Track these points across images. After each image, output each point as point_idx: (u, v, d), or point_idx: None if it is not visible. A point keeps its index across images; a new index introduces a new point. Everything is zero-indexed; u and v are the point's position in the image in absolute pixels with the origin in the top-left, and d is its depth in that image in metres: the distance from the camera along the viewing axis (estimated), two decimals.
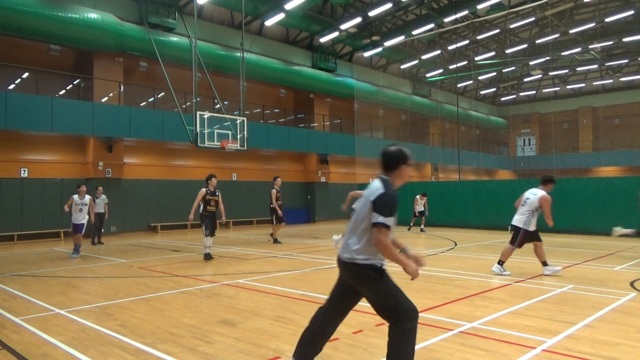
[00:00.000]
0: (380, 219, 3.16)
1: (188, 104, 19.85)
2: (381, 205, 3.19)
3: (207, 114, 15.15)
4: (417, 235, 16.77)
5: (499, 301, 6.23)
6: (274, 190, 13.98)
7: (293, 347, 4.41)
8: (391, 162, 3.40)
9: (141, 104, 20.76)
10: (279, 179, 14.33)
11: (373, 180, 3.44)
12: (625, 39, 28.50)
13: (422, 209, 18.10)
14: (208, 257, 10.56)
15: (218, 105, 18.62)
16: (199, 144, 14.87)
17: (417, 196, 18.20)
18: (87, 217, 11.93)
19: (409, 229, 18.40)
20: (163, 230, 19.91)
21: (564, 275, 8.03)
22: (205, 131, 14.95)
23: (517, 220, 8.21)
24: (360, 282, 3.33)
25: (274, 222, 14.18)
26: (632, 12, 24.50)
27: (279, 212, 13.90)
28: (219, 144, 15.43)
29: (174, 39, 19.48)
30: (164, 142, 19.74)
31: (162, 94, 20.68)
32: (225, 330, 5.01)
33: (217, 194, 10.78)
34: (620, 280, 7.66)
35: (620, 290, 6.80)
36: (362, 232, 3.30)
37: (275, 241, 14.19)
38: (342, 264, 3.40)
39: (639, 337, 4.65)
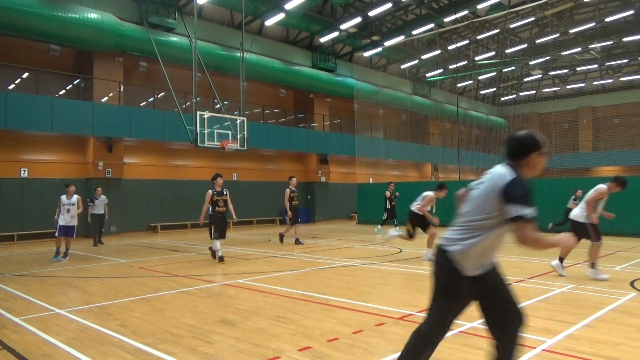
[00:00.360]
0: (521, 210, 2.53)
1: (188, 104, 19.85)
2: (516, 193, 2.57)
3: (207, 114, 15.15)
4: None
5: None
6: (287, 190, 13.53)
7: (293, 347, 4.43)
8: (519, 149, 2.76)
9: (141, 104, 20.76)
10: (294, 179, 13.91)
11: (493, 168, 2.81)
12: (625, 39, 28.51)
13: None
14: (219, 259, 10.11)
15: (218, 105, 18.62)
16: (199, 144, 14.87)
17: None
18: (75, 218, 11.14)
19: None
20: (163, 230, 19.91)
21: (564, 275, 8.04)
22: (205, 131, 14.95)
23: (579, 215, 7.85)
24: (436, 267, 2.89)
25: (287, 222, 13.81)
26: (632, 12, 24.51)
27: (289, 213, 13.39)
28: (219, 144, 15.44)
29: (174, 39, 19.48)
30: (164, 142, 19.74)
31: (162, 94, 20.68)
32: (225, 330, 5.01)
33: (224, 193, 10.40)
34: (620, 280, 7.65)
35: (620, 290, 6.80)
36: (473, 227, 2.73)
37: (281, 238, 13.76)
38: (436, 251, 2.94)
39: (639, 337, 4.65)
